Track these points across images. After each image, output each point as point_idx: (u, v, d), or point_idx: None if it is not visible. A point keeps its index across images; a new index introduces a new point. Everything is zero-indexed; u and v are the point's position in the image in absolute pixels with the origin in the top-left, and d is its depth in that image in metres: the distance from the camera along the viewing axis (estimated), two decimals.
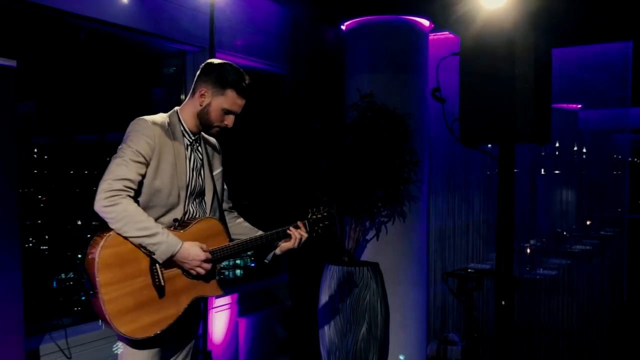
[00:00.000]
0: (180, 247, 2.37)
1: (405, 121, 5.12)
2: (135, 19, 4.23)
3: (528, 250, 6.33)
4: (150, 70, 5.02)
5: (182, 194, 2.50)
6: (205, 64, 2.55)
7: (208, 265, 2.45)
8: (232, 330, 5.11)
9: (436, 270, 6.40)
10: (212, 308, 4.87)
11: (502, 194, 3.26)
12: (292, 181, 5.50)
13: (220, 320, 5.00)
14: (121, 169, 2.33)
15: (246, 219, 2.95)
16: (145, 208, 2.41)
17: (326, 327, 5.09)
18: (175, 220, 2.50)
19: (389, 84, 5.49)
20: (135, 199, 2.41)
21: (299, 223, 2.74)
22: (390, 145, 5.01)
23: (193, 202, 2.58)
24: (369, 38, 5.60)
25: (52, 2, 3.63)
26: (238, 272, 5.79)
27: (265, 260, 2.84)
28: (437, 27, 5.87)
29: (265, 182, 5.93)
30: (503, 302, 3.14)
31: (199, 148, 2.65)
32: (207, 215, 2.64)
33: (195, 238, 2.49)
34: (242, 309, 5.27)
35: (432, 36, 6.02)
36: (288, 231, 2.71)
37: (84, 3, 3.83)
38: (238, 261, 5.80)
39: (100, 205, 2.28)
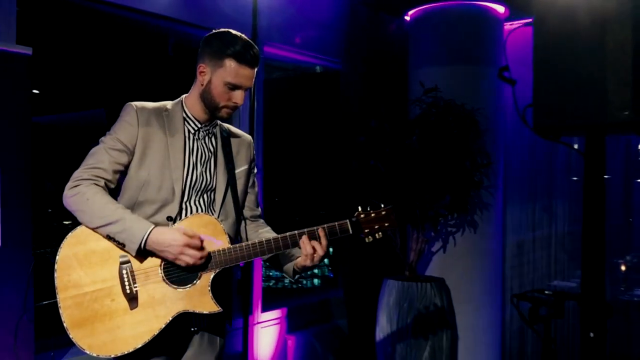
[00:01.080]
0: (150, 232, 1.96)
1: (475, 118, 4.52)
2: (175, 9, 3.95)
3: (623, 268, 5.46)
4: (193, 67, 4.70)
5: (177, 188, 2.11)
6: (203, 38, 2.18)
7: (197, 253, 1.98)
8: (280, 348, 4.67)
9: (513, 289, 5.66)
10: (257, 323, 4.45)
11: (589, 199, 2.60)
12: (344, 185, 5.00)
13: (266, 337, 4.57)
14: (93, 157, 2.07)
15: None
16: (135, 205, 2.09)
17: (384, 349, 4.54)
18: (169, 218, 2.09)
19: (458, 77, 4.90)
20: (122, 194, 2.13)
21: (318, 230, 2.10)
22: (459, 145, 4.42)
23: (197, 200, 2.17)
24: (435, 27, 5.04)
25: None
26: (316, 281, 5.35)
27: (292, 279, 2.32)
28: (513, 14, 5.23)
29: (314, 187, 5.46)
30: (592, 334, 2.48)
31: (212, 139, 2.25)
32: (217, 218, 2.15)
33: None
34: (291, 325, 4.82)
35: (507, 25, 5.37)
36: (299, 241, 2.10)
37: None
38: (316, 270, 5.37)
39: (65, 197, 2.03)
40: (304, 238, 2.08)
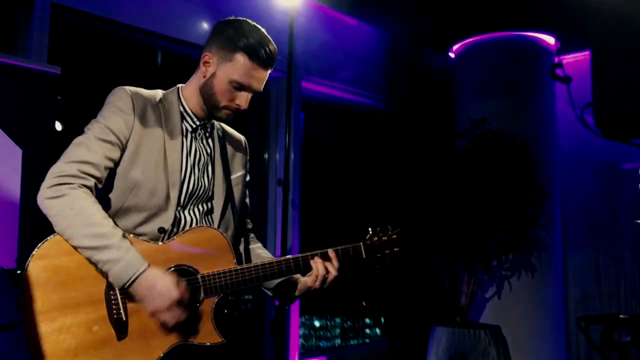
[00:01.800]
0: (144, 272, 1.58)
1: (528, 149, 4.21)
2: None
3: None
4: None
5: (173, 194, 1.74)
6: (215, 24, 1.85)
7: (179, 314, 1.61)
8: None
9: (579, 345, 5.12)
10: None
11: None
12: (386, 221, 4.70)
13: None
14: (79, 149, 1.65)
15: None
16: (119, 211, 1.71)
17: None
18: (161, 230, 1.72)
19: (507, 108, 4.66)
20: (104, 196, 1.73)
21: (329, 252, 1.84)
22: (511, 177, 4.10)
23: (193, 209, 1.81)
24: (482, 59, 4.88)
25: (134, 21, 3.42)
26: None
27: (286, 306, 1.97)
28: (564, 47, 4.99)
29: (355, 223, 5.17)
30: None
31: (209, 139, 1.91)
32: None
33: (183, 255, 1.70)
34: None
35: (557, 60, 5.14)
36: (310, 261, 1.82)
37: (161, 22, 3.57)
38: (367, 330, 5.03)
39: (43, 196, 1.60)
40: (317, 259, 1.82)
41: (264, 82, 1.82)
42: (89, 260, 1.59)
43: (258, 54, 1.75)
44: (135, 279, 1.57)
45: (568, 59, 5.25)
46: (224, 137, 1.96)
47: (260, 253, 2.00)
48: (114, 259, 1.56)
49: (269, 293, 1.95)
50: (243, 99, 1.79)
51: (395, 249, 1.93)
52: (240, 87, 1.77)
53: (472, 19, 4.70)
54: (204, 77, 1.79)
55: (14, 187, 2.82)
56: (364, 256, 1.90)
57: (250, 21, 1.82)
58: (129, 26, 3.51)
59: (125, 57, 3.77)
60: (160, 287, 1.58)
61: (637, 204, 4.92)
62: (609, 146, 5.43)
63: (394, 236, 1.94)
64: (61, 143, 1.91)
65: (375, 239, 1.92)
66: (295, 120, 4.26)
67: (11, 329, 1.60)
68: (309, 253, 1.83)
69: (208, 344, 1.68)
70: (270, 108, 4.41)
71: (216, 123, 1.94)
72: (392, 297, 4.91)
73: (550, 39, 4.86)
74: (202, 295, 1.69)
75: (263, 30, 1.81)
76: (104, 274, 1.59)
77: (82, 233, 1.57)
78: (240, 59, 1.75)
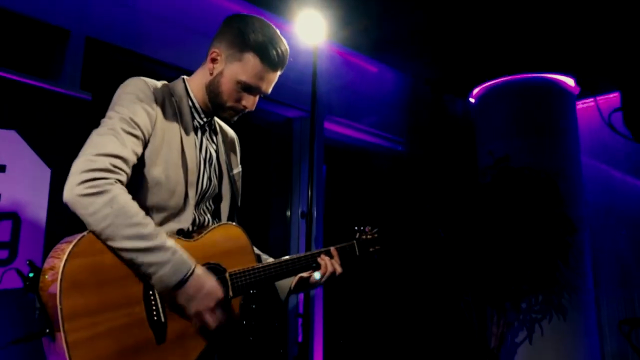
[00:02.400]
0: (193, 272, 1.48)
1: (557, 184, 4.16)
2: None
3: None
4: (257, 141, 4.65)
5: (192, 193, 1.65)
6: (225, 19, 1.74)
7: (221, 314, 1.53)
8: None
9: None
10: None
11: None
12: (412, 260, 4.60)
13: None
14: (109, 141, 1.48)
15: None
16: None
17: None
18: (180, 232, 1.62)
19: (529, 148, 4.63)
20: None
21: (331, 250, 1.92)
22: (538, 213, 4.03)
23: (204, 209, 1.74)
24: (502, 101, 4.91)
25: (162, 56, 3.55)
26: None
27: (282, 299, 1.93)
28: (584, 91, 5.02)
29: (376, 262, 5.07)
30: None
31: (213, 136, 1.83)
32: None
33: (210, 253, 1.62)
34: None
35: (579, 105, 5.16)
36: (319, 258, 1.87)
37: (188, 58, 3.67)
38: None
39: (75, 193, 1.40)
40: (323, 256, 1.89)
41: (273, 84, 1.72)
42: (131, 262, 1.45)
43: (269, 55, 1.64)
44: (186, 280, 1.47)
45: (587, 103, 5.29)
46: (221, 133, 1.88)
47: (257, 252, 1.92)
48: (160, 261, 1.44)
49: (283, 294, 1.92)
50: (250, 101, 1.69)
51: (377, 247, 2.11)
52: (248, 88, 1.67)
53: (490, 63, 4.78)
54: (211, 74, 1.70)
55: (41, 206, 2.87)
56: (357, 253, 2.03)
57: (262, 19, 1.70)
58: (158, 61, 3.62)
59: None
60: (209, 286, 1.50)
61: None
62: (638, 197, 5.38)
63: (375, 235, 2.11)
64: None
65: (364, 237, 2.08)
66: (319, 157, 4.28)
67: (37, 338, 1.40)
68: (314, 251, 1.89)
69: (236, 342, 1.65)
70: (294, 144, 4.45)
71: (215, 118, 1.85)
72: (420, 338, 4.73)
73: (570, 81, 4.89)
74: (230, 293, 1.62)
75: (274, 28, 1.70)
76: (146, 276, 1.46)
77: (124, 234, 1.42)
78: (251, 59, 1.64)
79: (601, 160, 5.24)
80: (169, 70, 3.68)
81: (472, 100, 5.27)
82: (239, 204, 1.87)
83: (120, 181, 1.47)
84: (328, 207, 4.49)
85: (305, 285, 1.90)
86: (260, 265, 1.69)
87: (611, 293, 5.00)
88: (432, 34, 4.42)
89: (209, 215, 1.74)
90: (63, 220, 2.80)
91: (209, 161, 1.75)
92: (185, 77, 1.76)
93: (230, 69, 1.65)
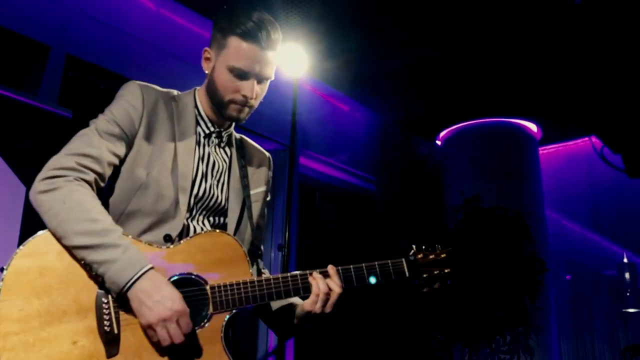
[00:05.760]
0: (144, 274, 1.33)
1: (526, 223, 4.25)
2: None
3: None
4: None
5: (183, 200, 1.54)
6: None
7: (179, 332, 1.33)
8: None
9: None
10: None
11: None
12: (383, 302, 4.57)
13: None
14: (81, 142, 1.45)
15: None
16: (122, 215, 1.51)
17: None
18: (167, 237, 1.49)
19: (495, 190, 4.76)
20: (106, 199, 1.52)
21: (329, 270, 1.57)
22: (509, 251, 4.09)
23: (203, 221, 1.61)
24: (468, 144, 5.07)
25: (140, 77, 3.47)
26: None
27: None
28: (546, 137, 5.25)
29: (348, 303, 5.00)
30: None
31: (225, 148, 1.72)
32: None
33: (190, 263, 1.45)
34: None
35: (541, 150, 5.37)
36: (309, 278, 1.55)
37: (161, 79, 3.58)
38: None
39: (34, 191, 1.38)
40: (315, 274, 1.54)
41: (270, 67, 1.60)
42: (83, 261, 1.33)
43: (252, 34, 1.55)
44: (134, 282, 1.32)
45: (549, 149, 5.52)
46: (244, 149, 1.77)
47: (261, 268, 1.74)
48: (109, 259, 1.31)
49: (268, 322, 1.71)
50: (248, 88, 1.57)
51: (446, 270, 1.70)
52: (242, 73, 1.57)
53: (456, 107, 4.93)
54: (207, 74, 1.64)
55: (14, 225, 2.70)
56: (407, 275, 1.63)
57: (249, 8, 1.62)
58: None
59: None
60: (165, 293, 1.33)
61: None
62: (589, 252, 5.59)
63: (443, 255, 1.70)
64: None
65: (421, 256, 1.68)
66: (295, 190, 4.24)
67: None
68: (308, 272, 1.57)
69: None
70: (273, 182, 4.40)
71: (236, 134, 1.76)
72: None
73: (533, 126, 5.09)
74: (210, 309, 1.42)
75: (262, 12, 1.62)
76: (99, 278, 1.33)
77: (76, 230, 1.33)
78: (233, 42, 1.56)
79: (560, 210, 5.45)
80: None
81: (438, 142, 5.39)
82: (257, 225, 1.71)
83: (84, 179, 1.41)
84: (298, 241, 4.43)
85: (291, 315, 1.65)
86: (254, 280, 1.48)
87: (571, 328, 5.10)
88: (405, 77, 4.54)
89: (208, 228, 1.60)
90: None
91: (211, 172, 1.64)
92: (197, 87, 1.71)
93: (220, 60, 1.58)
